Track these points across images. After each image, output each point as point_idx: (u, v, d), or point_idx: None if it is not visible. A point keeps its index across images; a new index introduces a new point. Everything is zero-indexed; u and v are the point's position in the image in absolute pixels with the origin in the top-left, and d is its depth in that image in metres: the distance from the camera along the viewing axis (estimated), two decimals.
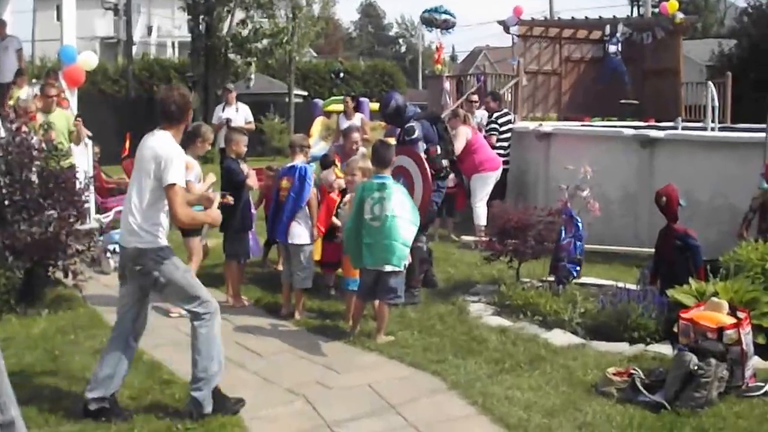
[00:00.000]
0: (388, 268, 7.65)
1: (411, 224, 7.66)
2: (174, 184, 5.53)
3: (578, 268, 9.09)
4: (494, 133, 14.60)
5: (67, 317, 8.55)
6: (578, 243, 9.03)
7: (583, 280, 9.48)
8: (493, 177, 13.45)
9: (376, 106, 19.81)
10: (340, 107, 16.66)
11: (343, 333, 8.08)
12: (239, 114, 16.27)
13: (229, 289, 9.37)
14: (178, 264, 5.77)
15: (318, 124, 17.24)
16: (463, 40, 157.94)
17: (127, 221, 5.69)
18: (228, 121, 15.73)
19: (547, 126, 15.60)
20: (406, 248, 7.64)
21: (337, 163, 10.37)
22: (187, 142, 8.12)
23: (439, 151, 9.53)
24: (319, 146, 15.33)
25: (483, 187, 13.30)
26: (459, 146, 12.84)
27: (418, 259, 9.05)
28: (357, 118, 14.87)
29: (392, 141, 9.37)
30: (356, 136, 10.85)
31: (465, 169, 13.37)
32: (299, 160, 8.87)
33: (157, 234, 5.66)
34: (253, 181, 9.21)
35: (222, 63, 32.99)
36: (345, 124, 14.45)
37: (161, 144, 5.65)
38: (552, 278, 9.20)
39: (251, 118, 16.45)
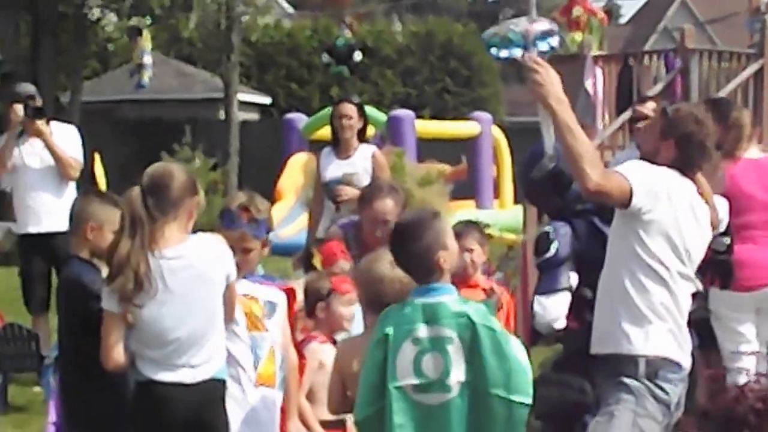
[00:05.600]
0: None
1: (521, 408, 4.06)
2: None
3: None
4: None
5: None
6: None
7: None
8: (747, 302, 6.35)
9: (438, 126, 14.49)
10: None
11: None
12: (65, 142, 8.00)
13: None
14: None
15: (295, 171, 12.60)
16: None
17: None
18: None
19: None
20: None
21: (341, 265, 5.65)
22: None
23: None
24: (296, 223, 10.07)
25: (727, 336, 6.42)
26: None
27: None
28: (362, 156, 7.96)
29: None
30: (388, 204, 5.79)
31: None
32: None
33: None
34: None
35: (73, 33, 18.28)
36: (335, 169, 7.87)
37: None
38: None
39: (79, 152, 8.03)
